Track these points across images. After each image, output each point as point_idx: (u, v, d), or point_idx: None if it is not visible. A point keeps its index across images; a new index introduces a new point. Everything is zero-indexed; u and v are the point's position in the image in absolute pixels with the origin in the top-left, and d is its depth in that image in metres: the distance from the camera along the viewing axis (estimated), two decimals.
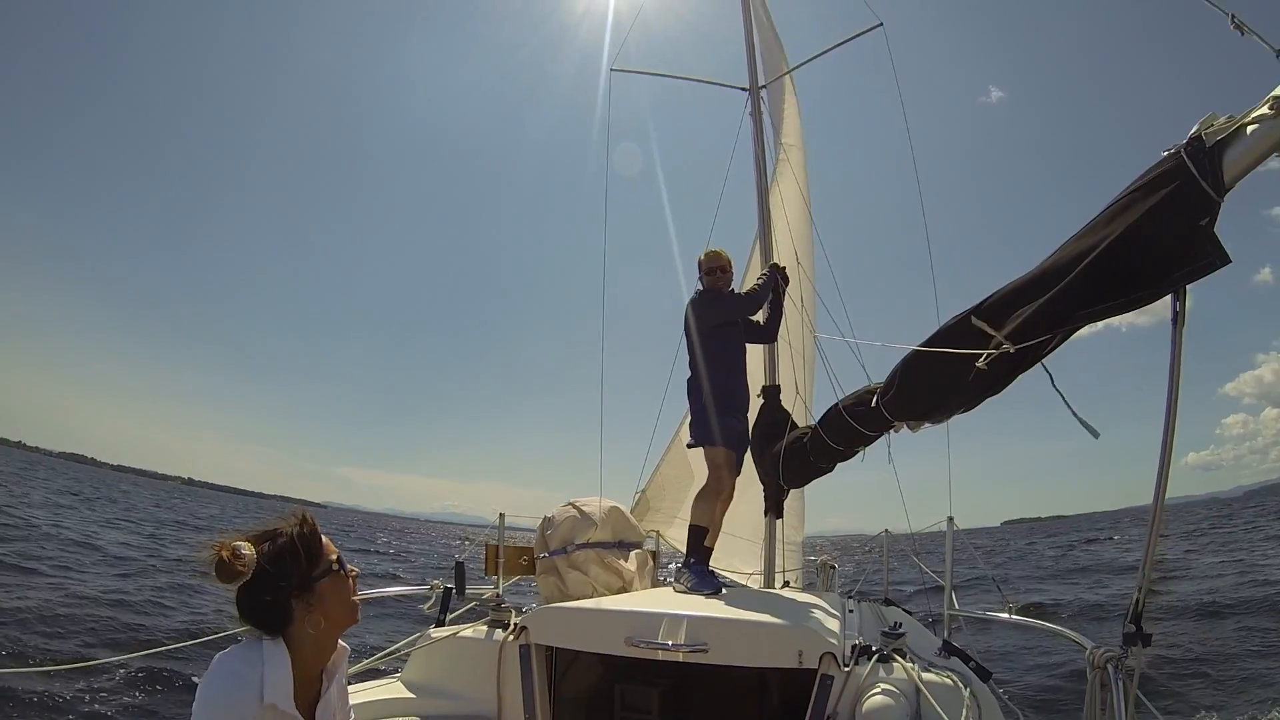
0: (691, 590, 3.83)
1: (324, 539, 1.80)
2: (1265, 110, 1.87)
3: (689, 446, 4.49)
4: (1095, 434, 2.26)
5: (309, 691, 1.78)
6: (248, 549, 1.67)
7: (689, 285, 4.83)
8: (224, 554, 1.63)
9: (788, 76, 7.69)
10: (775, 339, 5.18)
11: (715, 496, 4.35)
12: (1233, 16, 1.96)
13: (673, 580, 4.22)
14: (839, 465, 4.08)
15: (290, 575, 1.70)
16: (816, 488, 4.83)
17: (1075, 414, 2.28)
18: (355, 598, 1.82)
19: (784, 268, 5.09)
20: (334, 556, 1.78)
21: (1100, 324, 2.35)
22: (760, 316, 5.02)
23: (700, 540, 4.21)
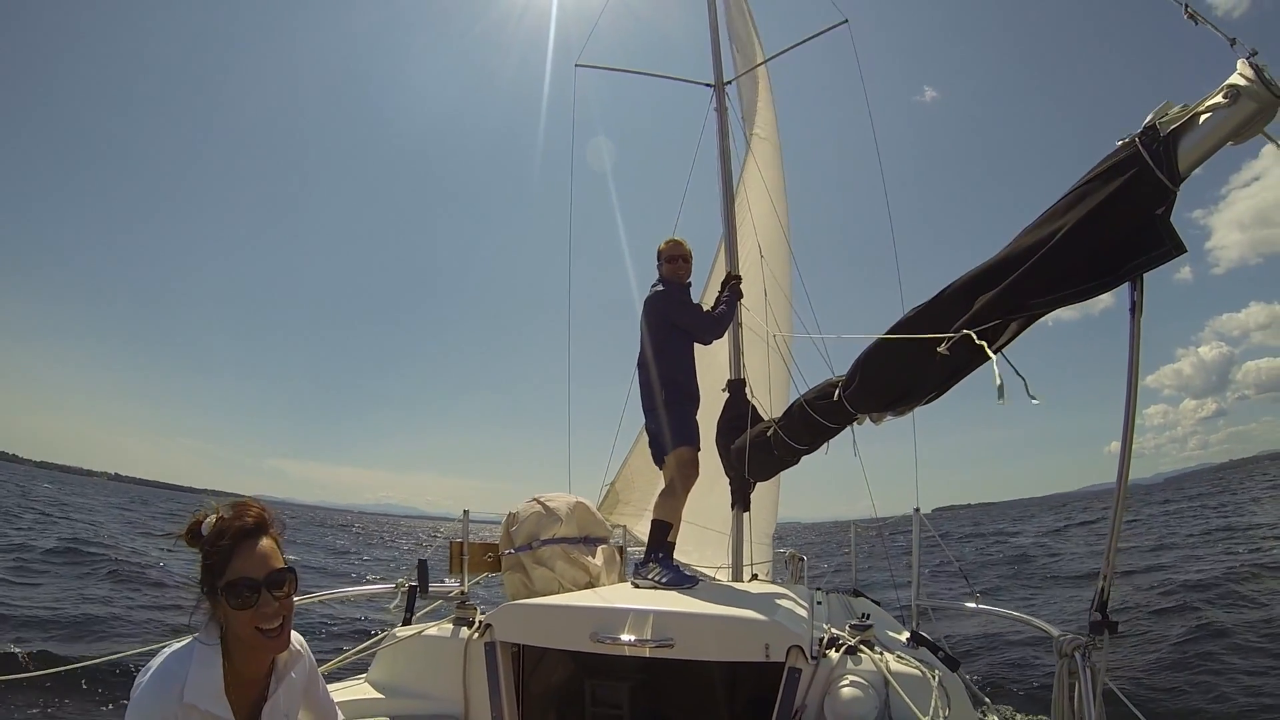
0: (667, 585, 3.79)
1: (257, 548, 1.68)
2: (1219, 99, 1.88)
3: (664, 449, 4.38)
4: (1034, 399, 2.24)
5: (250, 693, 1.75)
6: (210, 519, 1.68)
7: (642, 281, 4.75)
8: (191, 521, 1.69)
9: (761, 70, 7.71)
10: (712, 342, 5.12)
11: (684, 493, 4.33)
12: (1186, 6, 1.97)
13: (633, 576, 4.16)
14: (804, 458, 4.08)
15: (202, 573, 1.68)
16: (788, 474, 4.83)
17: (1029, 393, 2.26)
18: (269, 626, 1.67)
19: (739, 278, 5.05)
20: (232, 581, 1.64)
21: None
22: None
23: (665, 534, 4.18)
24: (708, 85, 6.80)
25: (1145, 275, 2.04)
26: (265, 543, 1.72)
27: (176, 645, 1.69)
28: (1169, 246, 1.99)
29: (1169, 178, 1.96)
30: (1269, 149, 1.89)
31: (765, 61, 7.42)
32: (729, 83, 6.82)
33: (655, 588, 3.78)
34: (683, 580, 3.83)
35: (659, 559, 4.06)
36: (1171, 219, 2.01)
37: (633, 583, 4.06)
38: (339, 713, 2.16)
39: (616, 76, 7.76)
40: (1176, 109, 2.00)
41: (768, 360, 5.70)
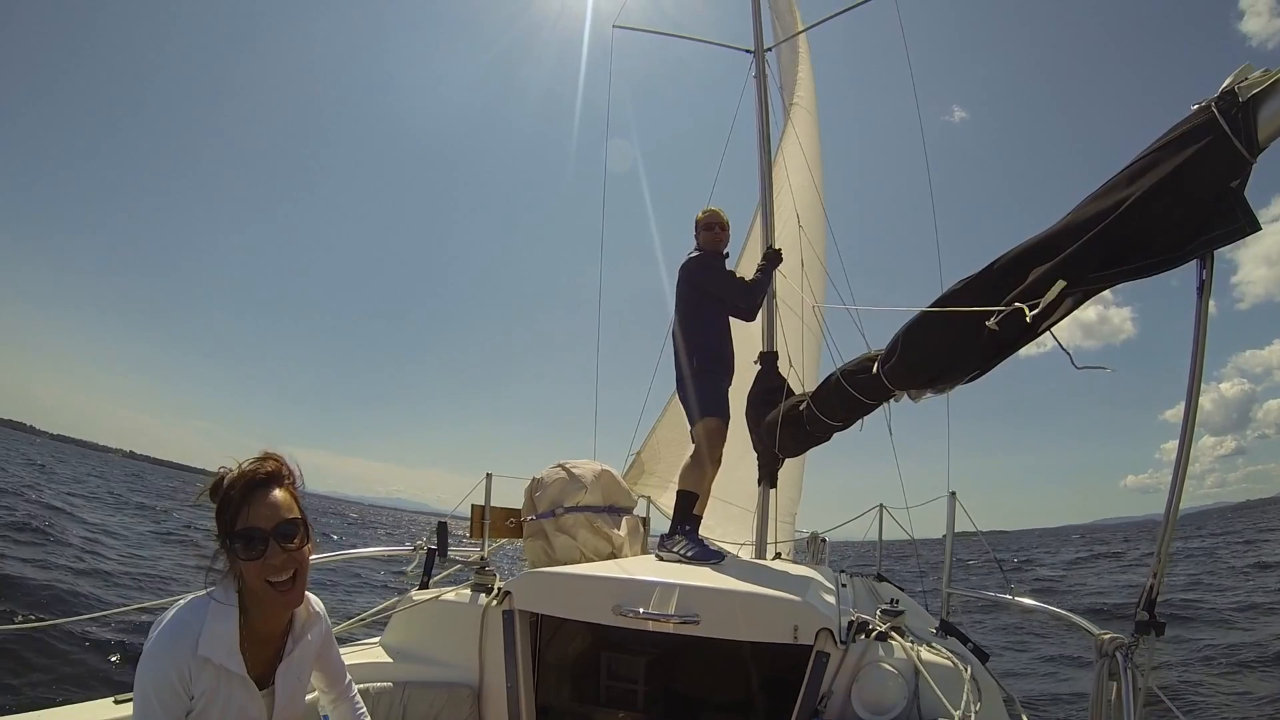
0: (693, 559, 3.72)
1: (268, 499, 1.66)
2: None
3: (693, 417, 4.32)
4: (1105, 368, 2.22)
5: (266, 650, 1.75)
6: (228, 477, 1.66)
7: (674, 259, 4.67)
8: (216, 476, 1.66)
9: (801, 39, 7.53)
10: (754, 318, 5.03)
11: (713, 464, 4.26)
12: None
13: (657, 549, 4.10)
14: (836, 435, 4.00)
15: (218, 526, 1.66)
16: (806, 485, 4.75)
17: (1074, 364, 2.22)
18: (279, 579, 1.65)
19: (780, 250, 4.96)
20: (239, 531, 1.63)
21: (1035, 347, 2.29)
22: None
23: (692, 506, 4.12)
24: (747, 51, 6.67)
25: (1215, 253, 1.92)
26: (278, 494, 1.69)
27: (192, 597, 1.68)
28: (1243, 222, 1.87)
29: (1246, 148, 1.83)
30: None
31: (807, 29, 7.23)
32: (769, 49, 6.68)
33: (680, 561, 3.73)
34: (708, 555, 3.76)
35: (685, 531, 4.00)
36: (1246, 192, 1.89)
37: (657, 555, 4.01)
38: (348, 674, 2.15)
39: (657, 46, 7.64)
40: (1258, 73, 1.86)
41: (802, 333, 5.61)
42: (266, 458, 1.71)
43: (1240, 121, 1.84)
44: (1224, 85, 1.90)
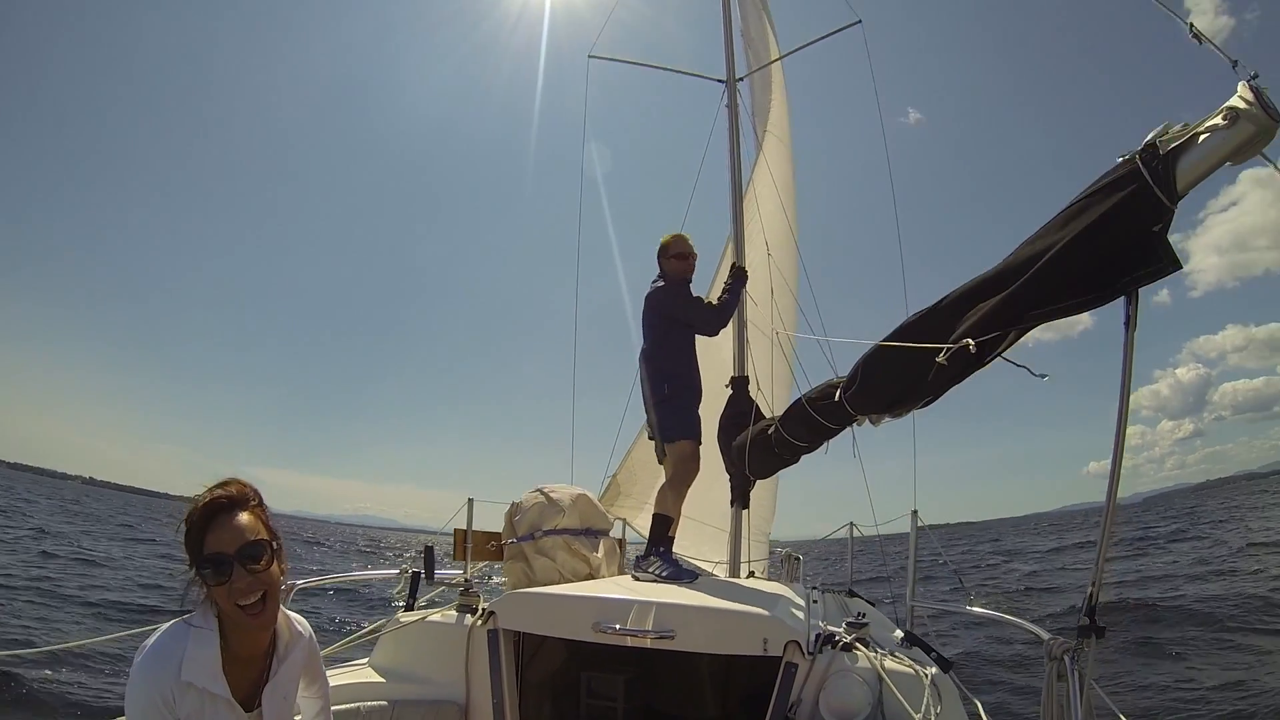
0: (668, 579, 3.84)
1: (232, 522, 1.69)
2: (1219, 120, 1.91)
3: (666, 442, 4.41)
4: (1044, 376, 2.36)
5: (250, 671, 1.77)
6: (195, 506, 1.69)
7: (642, 280, 4.74)
8: (193, 506, 1.69)
9: (776, 67, 7.72)
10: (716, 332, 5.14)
11: (686, 487, 4.36)
12: (1190, 26, 2.00)
13: (634, 569, 4.21)
14: (804, 458, 4.12)
15: (188, 551, 1.69)
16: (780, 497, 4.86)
17: (1032, 373, 2.36)
18: (246, 602, 1.67)
19: (745, 269, 5.09)
20: (205, 557, 1.66)
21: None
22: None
23: (667, 528, 4.23)
24: (719, 81, 6.82)
25: (1140, 290, 2.08)
26: (242, 517, 1.70)
27: (173, 623, 1.70)
28: (1165, 262, 2.03)
29: (1167, 195, 1.99)
30: (1246, 174, 1.93)
31: (778, 60, 7.43)
32: (741, 79, 6.83)
33: (656, 581, 3.83)
34: (682, 574, 3.87)
35: (660, 553, 4.11)
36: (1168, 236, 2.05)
37: (633, 575, 4.11)
38: (329, 695, 2.17)
39: (625, 74, 7.80)
40: (1177, 128, 2.03)
41: (771, 358, 5.74)
42: (229, 482, 1.74)
43: (1161, 172, 2.00)
44: (1146, 139, 2.07)
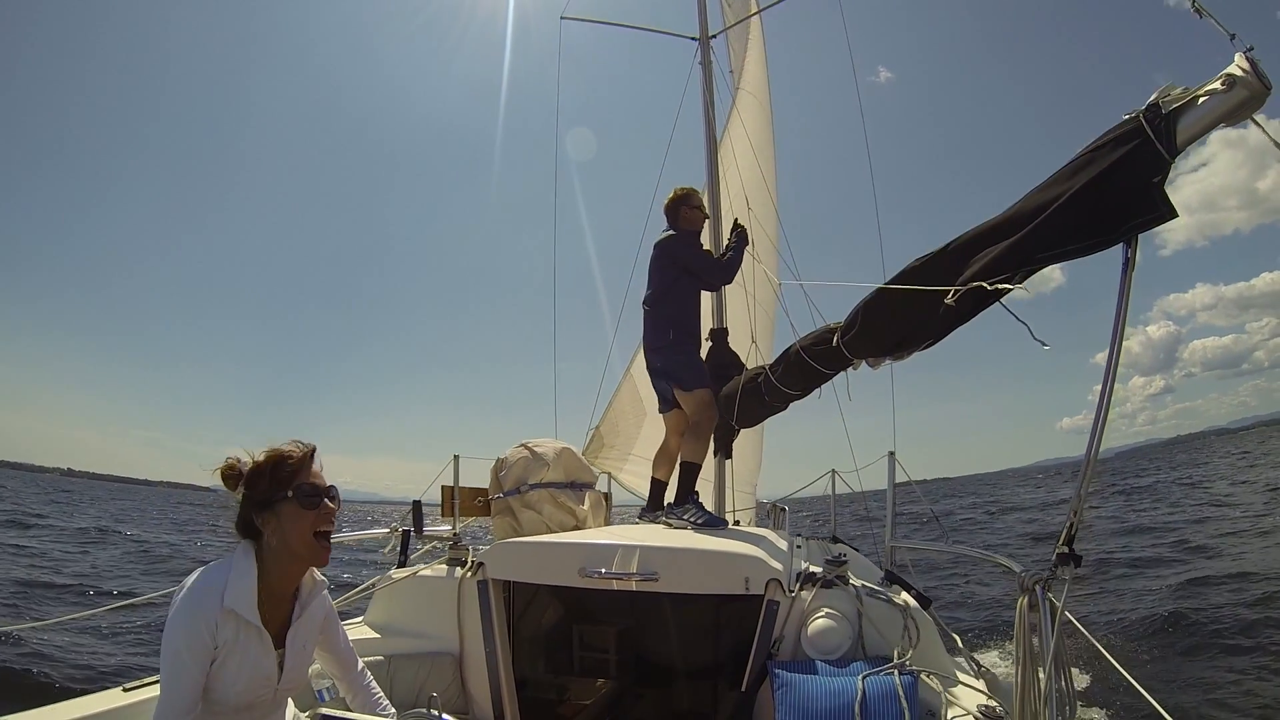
0: (704, 525, 3.93)
1: (313, 469, 1.87)
2: (1217, 85, 2.10)
3: (685, 391, 4.47)
4: (1044, 345, 2.51)
5: (279, 612, 1.90)
6: (246, 460, 1.84)
7: (614, 243, 4.84)
8: (228, 462, 1.83)
9: (755, 22, 7.74)
10: (720, 286, 5.26)
11: (710, 433, 4.48)
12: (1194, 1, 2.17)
13: (666, 516, 4.23)
14: (790, 420, 4.26)
15: (255, 490, 1.83)
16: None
17: (1033, 335, 2.51)
18: (315, 532, 1.85)
19: (745, 228, 5.21)
20: (302, 484, 1.83)
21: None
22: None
23: (696, 476, 4.34)
24: (692, 39, 6.83)
25: (1140, 235, 2.28)
26: (318, 467, 1.92)
27: (214, 562, 1.83)
28: (1163, 210, 2.23)
29: (1167, 150, 2.18)
30: (1216, 136, 2.12)
31: (753, 15, 7.45)
32: (714, 36, 6.85)
33: (700, 528, 3.91)
34: (716, 521, 4.00)
35: (695, 500, 4.21)
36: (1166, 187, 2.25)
37: (666, 522, 4.17)
38: (359, 661, 2.27)
39: (600, 35, 7.72)
40: (1178, 91, 2.21)
41: (750, 310, 5.87)
42: (298, 442, 1.92)
43: (1163, 129, 2.19)
44: (1150, 99, 2.25)
